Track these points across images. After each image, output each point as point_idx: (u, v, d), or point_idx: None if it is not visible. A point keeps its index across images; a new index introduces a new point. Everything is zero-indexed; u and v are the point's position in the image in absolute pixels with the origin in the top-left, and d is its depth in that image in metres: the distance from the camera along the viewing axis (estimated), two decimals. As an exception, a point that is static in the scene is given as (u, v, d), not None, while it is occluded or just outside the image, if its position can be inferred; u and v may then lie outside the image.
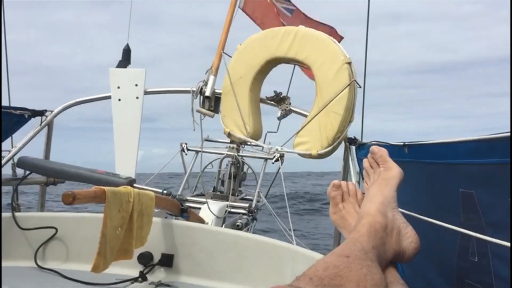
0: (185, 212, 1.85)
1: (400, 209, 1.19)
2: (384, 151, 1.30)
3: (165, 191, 1.93)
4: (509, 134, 1.09)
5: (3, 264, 1.68)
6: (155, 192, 1.73)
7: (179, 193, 2.71)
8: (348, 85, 2.32)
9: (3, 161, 2.43)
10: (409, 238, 1.12)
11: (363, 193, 1.34)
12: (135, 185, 1.65)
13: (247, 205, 2.64)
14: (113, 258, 1.42)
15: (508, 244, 1.10)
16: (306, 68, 2.60)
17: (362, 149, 2.33)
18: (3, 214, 1.78)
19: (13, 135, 2.65)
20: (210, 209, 2.38)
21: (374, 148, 1.33)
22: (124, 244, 1.46)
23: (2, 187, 2.28)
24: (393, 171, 1.24)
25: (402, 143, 1.67)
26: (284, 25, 3.37)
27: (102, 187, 1.37)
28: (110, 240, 1.37)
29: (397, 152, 1.34)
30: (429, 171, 1.59)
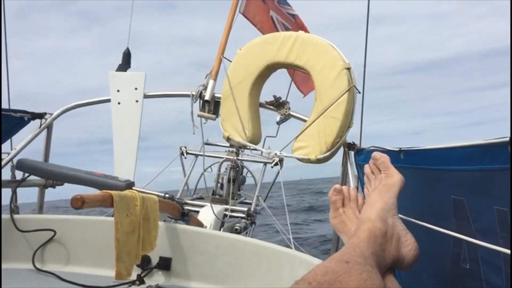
0: (186, 216, 1.85)
1: (400, 215, 1.19)
2: (386, 158, 1.31)
3: (167, 195, 1.94)
4: (500, 139, 1.09)
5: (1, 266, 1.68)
6: (156, 195, 1.73)
7: (178, 196, 2.71)
8: (347, 90, 2.33)
9: (2, 163, 2.43)
10: (408, 246, 1.13)
11: (364, 198, 1.35)
12: (134, 188, 1.66)
13: (246, 209, 2.65)
14: (134, 263, 1.44)
15: (508, 251, 1.10)
16: (304, 72, 2.61)
17: (361, 154, 2.33)
18: (1, 216, 1.78)
19: (13, 138, 2.65)
20: (209, 213, 2.39)
21: (376, 154, 1.34)
22: (138, 249, 1.49)
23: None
24: (394, 178, 1.25)
25: (398, 149, 1.68)
26: (289, 29, 3.39)
27: (108, 191, 1.38)
28: (124, 244, 1.38)
29: (393, 157, 1.35)
30: (423, 176, 1.60)
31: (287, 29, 3.58)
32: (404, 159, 1.63)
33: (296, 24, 3.63)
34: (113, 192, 1.40)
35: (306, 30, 3.58)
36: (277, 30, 3.49)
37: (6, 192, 2.29)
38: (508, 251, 1.08)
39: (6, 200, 2.01)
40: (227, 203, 2.71)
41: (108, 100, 2.78)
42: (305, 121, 2.51)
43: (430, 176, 1.54)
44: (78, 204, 1.27)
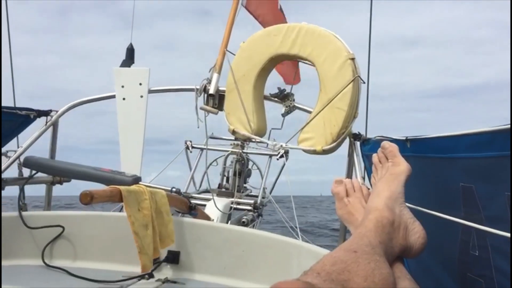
0: (193, 210, 1.86)
1: (407, 204, 1.19)
2: (395, 147, 1.30)
3: (174, 189, 1.94)
4: (508, 126, 1.08)
5: (10, 262, 1.70)
6: (163, 190, 1.74)
7: (184, 190, 2.72)
8: (352, 80, 2.32)
9: (9, 161, 2.44)
10: (416, 234, 1.13)
11: (369, 189, 1.34)
12: (141, 183, 1.66)
13: (252, 201, 2.65)
14: (154, 255, 1.47)
15: (508, 234, 1.10)
16: (308, 64, 2.60)
17: (367, 144, 2.33)
18: (10, 213, 1.79)
19: (19, 135, 2.66)
20: (215, 206, 2.39)
21: (385, 143, 1.33)
22: (155, 243, 1.50)
23: (10, 187, 2.30)
24: (401, 167, 1.25)
25: (404, 138, 1.68)
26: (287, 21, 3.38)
27: (117, 186, 1.39)
28: (143, 238, 1.40)
29: (400, 146, 1.34)
30: (431, 165, 1.59)
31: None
32: (411, 148, 1.63)
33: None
34: (121, 187, 1.41)
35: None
36: (286, 21, 3.48)
37: (14, 189, 2.32)
38: None
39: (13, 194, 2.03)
40: (233, 196, 2.71)
41: (113, 96, 2.78)
42: (310, 112, 2.50)
43: (437, 164, 1.54)
44: (87, 199, 1.28)
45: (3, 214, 1.80)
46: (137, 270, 1.62)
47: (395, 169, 1.25)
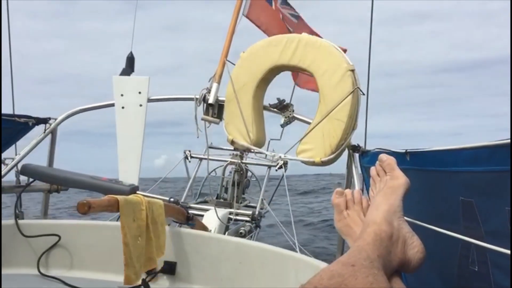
0: (190, 220, 1.85)
1: (406, 218, 1.18)
2: (392, 160, 1.30)
3: (172, 199, 1.93)
4: (508, 141, 1.08)
5: (5, 271, 1.68)
6: (162, 200, 1.73)
7: (182, 200, 2.71)
8: (352, 92, 2.32)
9: (6, 169, 2.44)
10: (414, 248, 1.12)
11: (369, 201, 1.34)
12: (139, 192, 1.66)
13: (250, 212, 2.64)
14: (143, 268, 1.45)
15: (508, 251, 1.09)
16: (308, 74, 2.60)
17: (366, 156, 2.32)
18: (6, 222, 1.78)
19: (17, 143, 2.66)
20: (216, 215, 2.38)
21: (382, 156, 1.33)
22: (147, 253, 1.48)
23: (7, 195, 2.29)
24: (400, 180, 1.24)
25: (404, 151, 1.67)
26: (290, 31, 3.38)
27: (114, 196, 1.39)
28: (133, 249, 1.38)
29: (399, 159, 1.33)
30: (430, 178, 1.59)
31: (295, 18, 3.57)
32: (410, 161, 1.63)
33: (298, 25, 3.62)
34: (119, 197, 1.40)
35: (311, 31, 3.57)
36: (285, 22, 3.48)
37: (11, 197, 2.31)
38: None
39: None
40: (231, 207, 2.70)
41: (112, 105, 2.78)
42: (309, 123, 2.50)
43: (437, 178, 1.53)
44: (85, 209, 1.27)
45: None
46: None
47: (393, 183, 1.24)
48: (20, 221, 1.78)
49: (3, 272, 1.68)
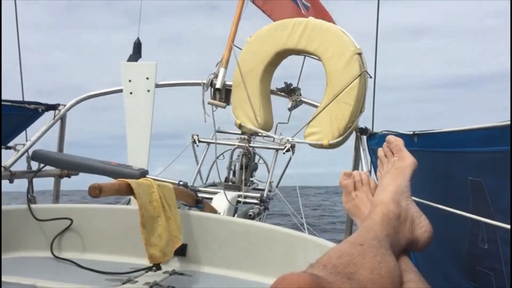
0: (200, 203, 1.87)
1: (413, 198, 1.19)
2: (400, 141, 1.30)
3: (181, 182, 1.95)
4: None
5: (20, 254, 1.72)
6: (171, 183, 1.75)
7: (191, 183, 2.73)
8: (359, 75, 2.31)
9: (17, 154, 2.47)
10: (422, 227, 1.13)
11: (376, 182, 1.35)
12: (148, 176, 1.68)
13: (258, 195, 2.66)
14: (170, 246, 1.50)
15: (508, 226, 1.10)
16: (316, 59, 2.59)
17: (373, 138, 2.32)
18: (19, 206, 1.81)
19: (27, 129, 2.68)
20: (226, 198, 2.41)
21: (390, 137, 1.33)
22: (171, 231, 1.53)
23: (18, 180, 2.33)
24: (407, 161, 1.25)
25: (412, 132, 1.67)
26: (302, 13, 3.36)
27: (125, 179, 1.41)
28: (153, 229, 1.41)
29: (407, 141, 1.34)
30: (438, 159, 1.59)
31: (306, 7, 3.52)
32: (418, 142, 1.63)
33: (309, 13, 3.57)
34: (130, 180, 1.42)
35: (326, 13, 3.54)
36: (300, 10, 3.44)
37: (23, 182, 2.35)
38: None
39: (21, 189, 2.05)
40: (240, 190, 2.72)
41: (120, 90, 2.80)
42: (316, 107, 2.51)
43: (445, 159, 1.53)
44: (96, 192, 1.30)
45: (12, 206, 1.82)
46: (145, 262, 1.64)
47: (400, 163, 1.25)
48: (32, 206, 1.81)
49: (17, 255, 1.71)
